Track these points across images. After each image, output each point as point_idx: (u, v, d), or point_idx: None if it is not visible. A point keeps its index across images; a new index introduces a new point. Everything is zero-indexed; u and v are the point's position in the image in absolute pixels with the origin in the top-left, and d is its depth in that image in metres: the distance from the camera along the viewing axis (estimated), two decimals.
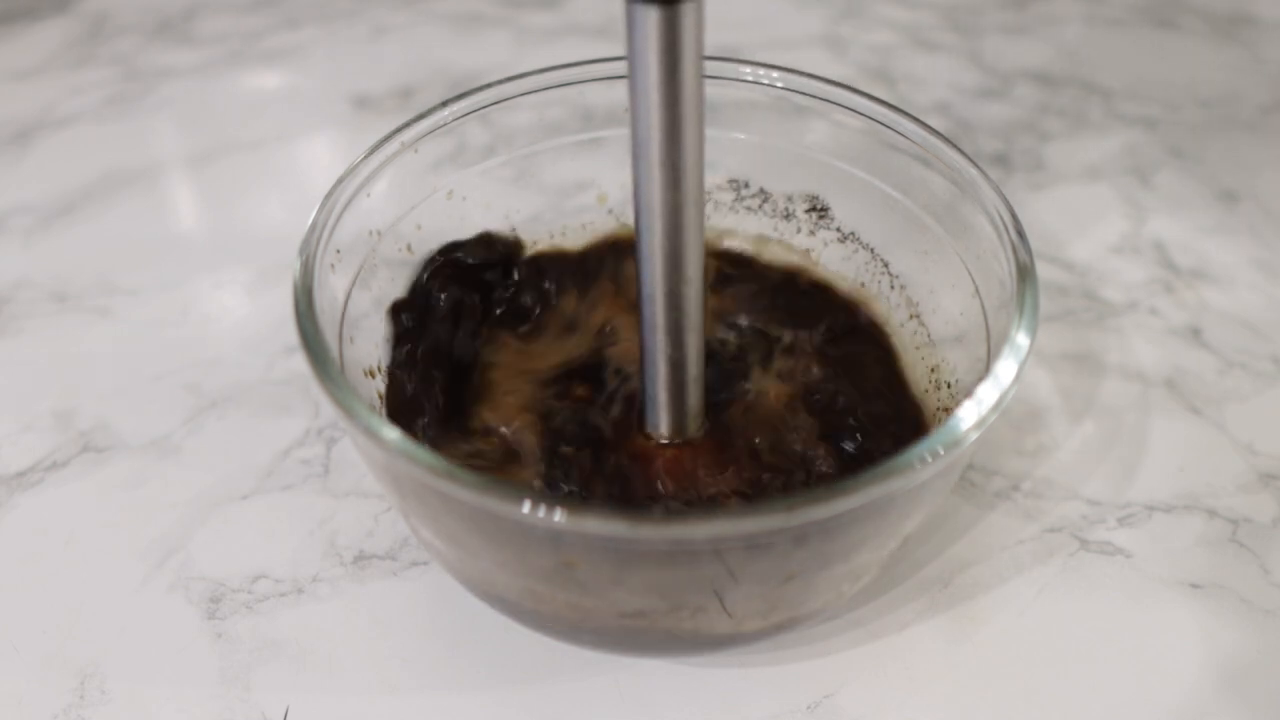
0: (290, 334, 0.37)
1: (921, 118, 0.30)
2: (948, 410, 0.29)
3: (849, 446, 0.28)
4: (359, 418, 0.23)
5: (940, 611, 0.29)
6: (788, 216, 0.34)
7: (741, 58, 0.32)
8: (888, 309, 0.32)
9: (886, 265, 0.32)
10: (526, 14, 0.56)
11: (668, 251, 0.25)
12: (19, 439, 0.34)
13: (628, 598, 0.24)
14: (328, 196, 0.28)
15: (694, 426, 0.28)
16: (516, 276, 0.33)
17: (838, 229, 0.33)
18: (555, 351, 0.31)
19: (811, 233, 0.34)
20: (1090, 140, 0.46)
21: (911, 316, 0.31)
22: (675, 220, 0.24)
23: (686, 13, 0.21)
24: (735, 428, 0.29)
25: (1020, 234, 0.26)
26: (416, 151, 0.30)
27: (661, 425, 0.28)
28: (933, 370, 0.30)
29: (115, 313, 0.39)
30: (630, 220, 0.26)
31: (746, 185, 0.34)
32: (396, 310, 0.31)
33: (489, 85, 0.31)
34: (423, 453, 0.22)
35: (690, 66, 0.22)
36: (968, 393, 0.24)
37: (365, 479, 0.33)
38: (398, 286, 0.31)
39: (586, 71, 0.32)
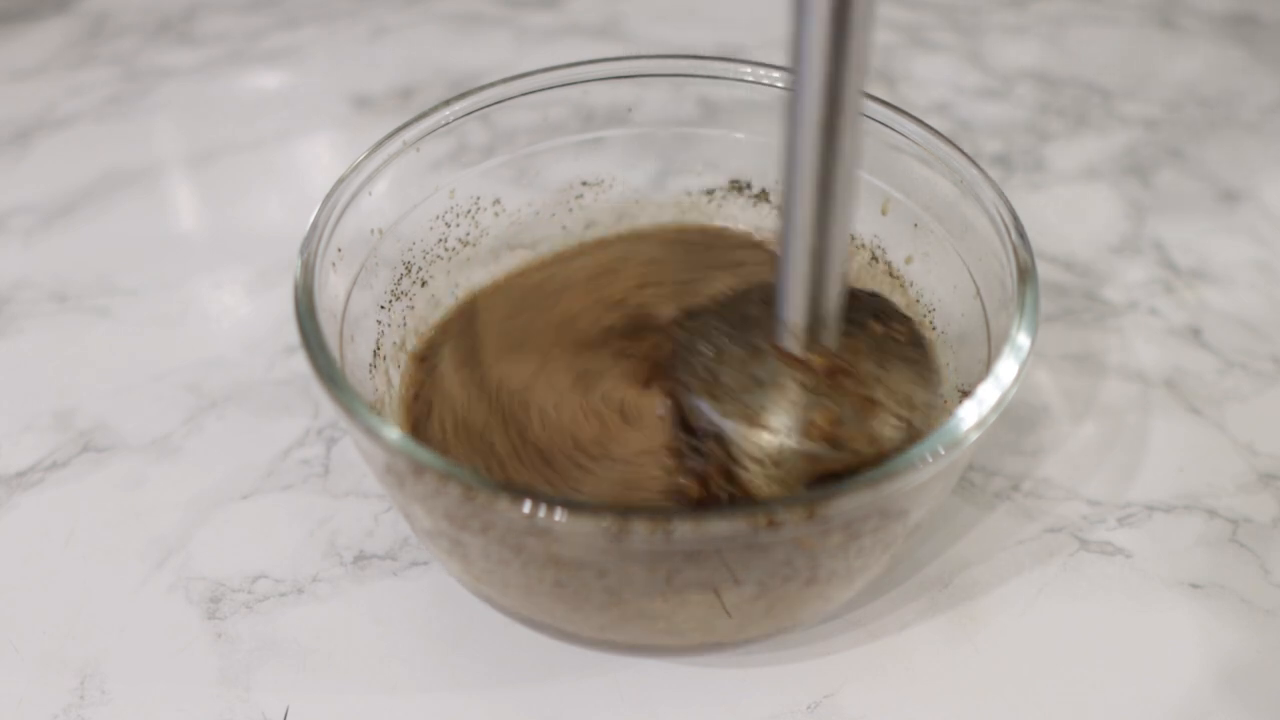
0: (290, 334, 0.37)
1: (921, 118, 0.30)
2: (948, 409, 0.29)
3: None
4: (360, 417, 0.23)
5: (940, 611, 0.29)
6: None
7: (741, 58, 0.32)
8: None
9: (890, 266, 0.32)
10: (526, 14, 0.56)
11: (823, 122, 0.22)
12: (19, 439, 0.34)
13: (627, 597, 0.24)
14: (329, 195, 0.28)
15: (830, 335, 0.26)
16: None
17: None
18: None
19: None
20: (1090, 140, 0.46)
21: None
22: (835, 85, 0.22)
23: None
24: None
25: (1021, 234, 0.26)
26: (418, 150, 0.30)
27: (796, 317, 0.26)
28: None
29: (115, 313, 0.39)
30: None
31: (749, 186, 0.34)
32: None
33: (489, 85, 0.31)
34: (424, 452, 0.22)
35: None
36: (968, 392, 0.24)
37: (365, 479, 0.33)
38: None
39: (587, 71, 0.32)
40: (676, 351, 0.29)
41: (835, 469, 0.25)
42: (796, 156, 0.23)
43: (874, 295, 0.30)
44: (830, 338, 0.26)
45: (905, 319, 0.29)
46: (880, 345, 0.27)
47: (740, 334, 0.28)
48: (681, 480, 0.27)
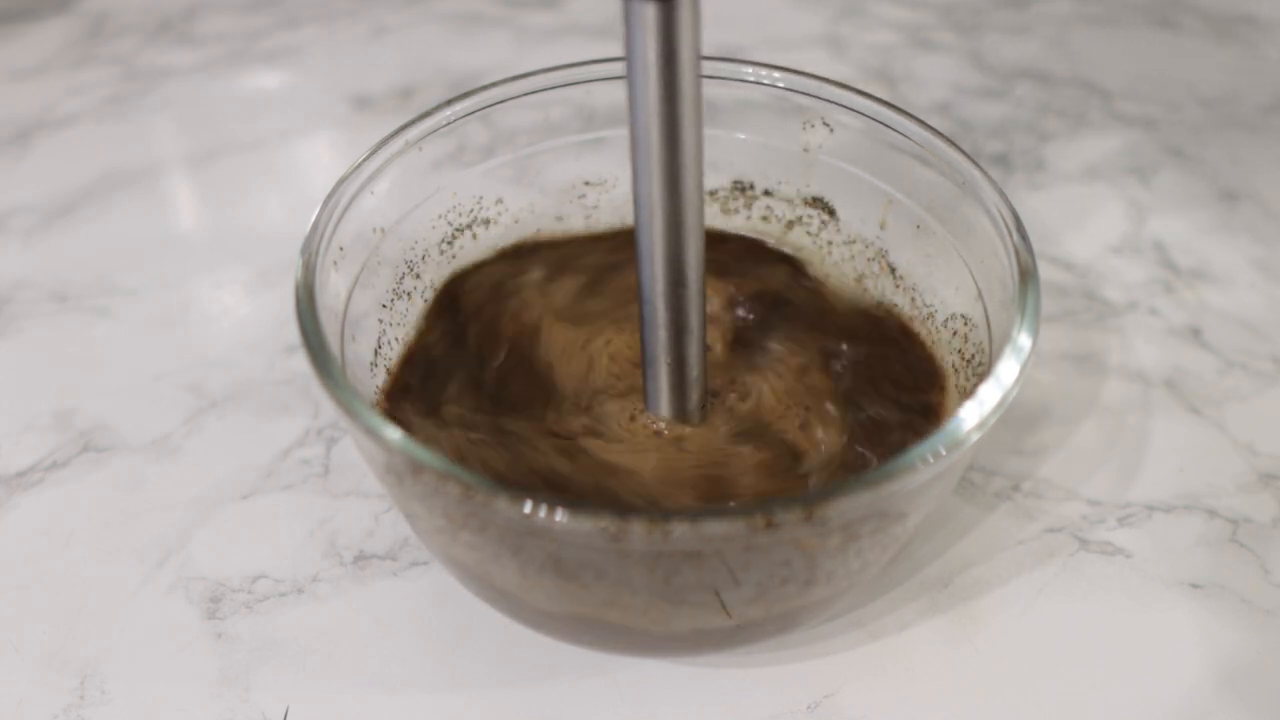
0: (290, 334, 0.37)
1: (922, 118, 0.30)
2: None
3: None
4: (360, 417, 0.23)
5: (940, 612, 0.29)
6: (790, 225, 0.34)
7: (741, 58, 0.32)
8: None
9: (893, 268, 0.32)
10: (526, 14, 0.56)
11: (667, 253, 0.25)
12: (19, 439, 0.34)
13: (627, 597, 0.24)
14: (331, 194, 0.28)
15: (695, 419, 0.28)
16: None
17: (840, 229, 0.33)
18: None
19: (815, 234, 0.34)
20: (1090, 140, 0.46)
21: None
22: (675, 220, 0.24)
23: (683, 7, 0.21)
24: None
25: (1023, 235, 0.26)
26: (420, 150, 0.30)
27: (663, 411, 0.28)
28: None
29: (115, 313, 0.39)
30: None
31: (751, 186, 0.34)
32: None
33: (490, 85, 0.31)
34: (424, 452, 0.22)
35: (688, 63, 0.22)
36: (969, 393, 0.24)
37: (365, 479, 0.33)
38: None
39: (587, 71, 0.32)
40: None
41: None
42: (647, 267, 0.25)
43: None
44: (696, 419, 0.29)
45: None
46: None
47: None
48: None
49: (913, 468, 0.22)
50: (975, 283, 0.28)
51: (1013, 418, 0.34)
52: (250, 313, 0.39)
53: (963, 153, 0.28)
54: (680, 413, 0.28)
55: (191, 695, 0.27)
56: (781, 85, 0.31)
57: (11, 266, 0.41)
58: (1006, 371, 0.24)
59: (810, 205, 0.33)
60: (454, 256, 0.33)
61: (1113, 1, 0.56)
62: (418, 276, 0.32)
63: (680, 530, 0.21)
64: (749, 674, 0.28)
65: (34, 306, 0.39)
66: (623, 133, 0.33)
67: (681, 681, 0.28)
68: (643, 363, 0.28)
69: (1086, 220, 0.42)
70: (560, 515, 0.21)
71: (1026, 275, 0.25)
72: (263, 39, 0.54)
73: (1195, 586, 0.30)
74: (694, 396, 0.28)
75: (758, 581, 0.23)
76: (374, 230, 0.30)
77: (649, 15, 0.21)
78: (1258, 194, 0.43)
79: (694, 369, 0.27)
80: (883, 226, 0.32)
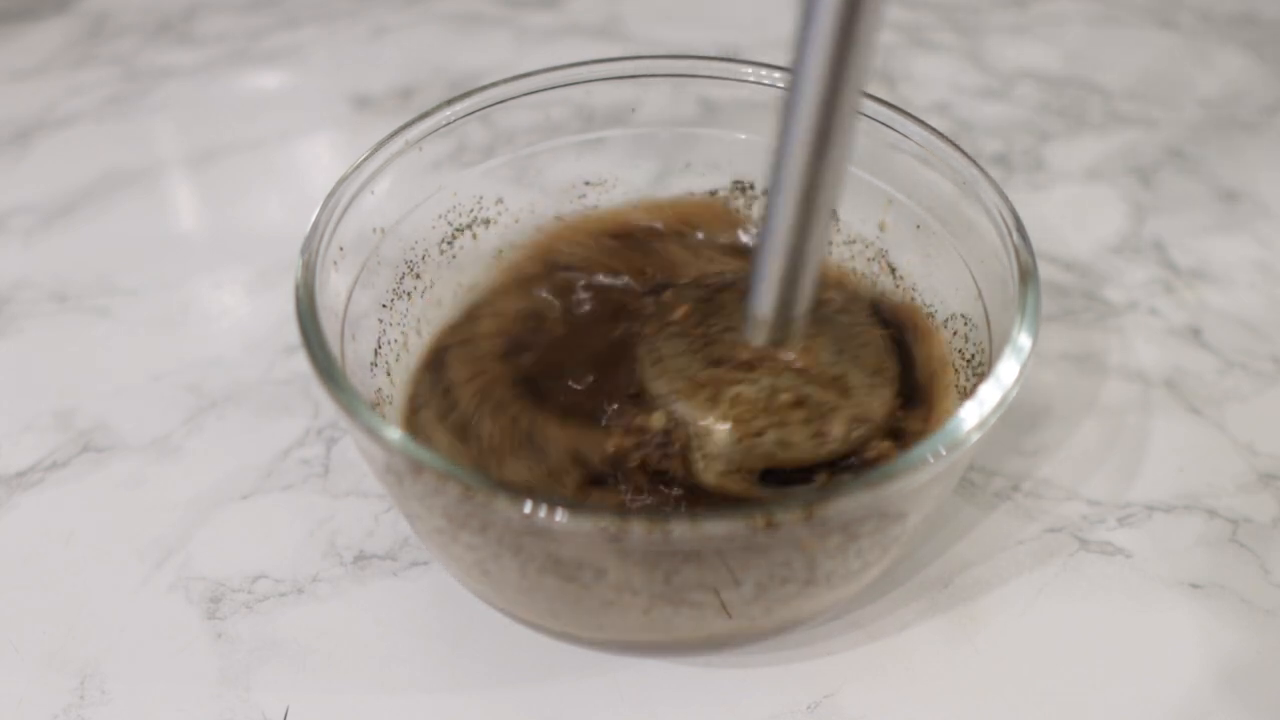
0: (290, 334, 0.37)
1: (922, 118, 0.30)
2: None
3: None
4: (360, 417, 0.23)
5: (940, 612, 0.29)
6: None
7: (741, 58, 0.32)
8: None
9: (893, 268, 0.32)
10: (526, 14, 0.56)
11: (822, 105, 0.22)
12: (19, 439, 0.34)
13: (627, 597, 0.24)
14: (331, 194, 0.28)
15: (795, 334, 0.27)
16: None
17: (840, 229, 0.33)
18: None
19: None
20: (1090, 140, 0.46)
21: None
22: (838, 73, 0.22)
23: None
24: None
25: (1023, 235, 0.26)
26: (420, 150, 0.30)
27: (766, 309, 0.26)
28: None
29: (115, 313, 0.39)
30: None
31: (751, 187, 0.34)
32: None
33: (490, 85, 0.31)
34: (424, 453, 0.22)
35: None
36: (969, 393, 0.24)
37: (365, 479, 0.33)
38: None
39: (587, 71, 0.32)
40: (642, 324, 0.30)
41: (778, 463, 0.27)
42: (787, 153, 0.23)
43: (853, 297, 0.30)
44: (795, 336, 0.27)
45: (880, 322, 0.29)
46: (843, 346, 0.28)
47: (708, 318, 0.29)
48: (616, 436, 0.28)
49: (913, 468, 0.22)
50: (975, 283, 0.28)
51: (1013, 418, 0.34)
52: (250, 313, 0.39)
53: (963, 153, 0.28)
54: (786, 309, 0.26)
55: (191, 695, 0.27)
56: (782, 85, 0.31)
57: (11, 266, 0.41)
58: (1006, 371, 0.24)
59: None
60: (454, 256, 0.33)
61: (1113, 1, 0.56)
62: (418, 276, 0.32)
63: (680, 530, 0.21)
64: (749, 674, 0.28)
65: (34, 306, 0.39)
66: (623, 133, 0.34)
67: (681, 681, 0.28)
68: (755, 253, 0.25)
69: (1086, 220, 0.42)
70: (560, 515, 0.21)
71: (1026, 275, 0.25)
72: (263, 39, 0.54)
73: (1195, 586, 0.30)
74: (804, 293, 0.26)
75: (758, 581, 0.23)
76: (374, 230, 0.30)
77: None
78: (1258, 194, 0.43)
79: (813, 258, 0.25)
80: (882, 228, 0.32)
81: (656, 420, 0.27)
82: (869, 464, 0.27)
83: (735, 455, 0.27)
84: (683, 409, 0.27)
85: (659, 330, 0.29)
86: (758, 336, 0.27)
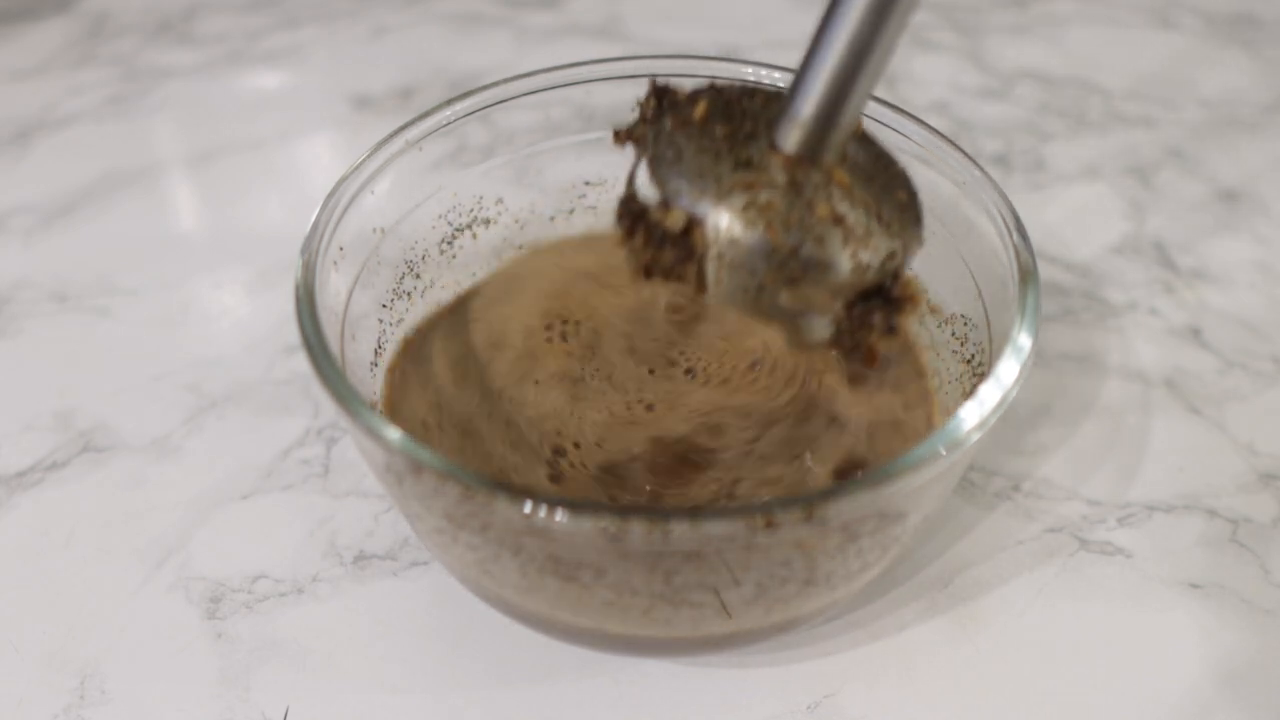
0: (290, 334, 0.37)
1: (922, 118, 0.30)
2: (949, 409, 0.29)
3: None
4: (361, 417, 0.23)
5: (940, 612, 0.29)
6: None
7: (741, 58, 0.32)
8: None
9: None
10: (526, 14, 0.56)
11: None
12: (19, 439, 0.34)
13: (627, 597, 0.24)
14: (331, 194, 0.28)
15: (834, 146, 0.24)
16: None
17: None
18: None
19: None
20: (1090, 140, 0.46)
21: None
22: None
23: None
24: None
25: (1023, 235, 0.26)
26: (420, 150, 0.30)
27: (809, 109, 0.23)
28: None
29: (115, 313, 0.39)
30: None
31: None
32: None
33: (490, 85, 0.31)
34: (424, 452, 0.22)
35: None
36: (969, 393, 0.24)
37: (365, 479, 0.33)
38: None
39: (587, 71, 0.32)
40: (663, 108, 0.26)
41: (798, 298, 0.23)
42: None
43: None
44: (834, 148, 0.24)
45: (903, 180, 0.26)
46: (874, 173, 0.25)
47: (730, 121, 0.25)
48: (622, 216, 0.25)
49: (913, 468, 0.22)
50: (975, 283, 0.28)
51: (1013, 418, 0.34)
52: (250, 313, 0.39)
53: (963, 153, 0.28)
54: (832, 113, 0.23)
55: (191, 695, 0.27)
56: (782, 85, 0.31)
57: (11, 266, 0.41)
58: (1006, 371, 0.24)
59: None
60: (454, 256, 0.33)
61: (1113, 1, 0.56)
62: (418, 276, 0.32)
63: (680, 530, 0.21)
64: (749, 674, 0.28)
65: (34, 306, 0.39)
66: None
67: (681, 681, 0.28)
68: (813, 38, 0.22)
69: (1086, 220, 0.42)
70: (560, 515, 0.21)
71: (1026, 275, 0.25)
72: (263, 39, 0.54)
73: (1195, 586, 0.30)
74: (856, 97, 0.22)
75: (758, 581, 0.23)
76: (374, 230, 0.30)
77: None
78: (1258, 194, 0.43)
79: (879, 54, 0.22)
80: None
81: (675, 219, 0.24)
82: (895, 304, 0.24)
83: (761, 270, 0.23)
84: (707, 210, 0.23)
85: (677, 126, 0.25)
86: (791, 141, 0.23)
